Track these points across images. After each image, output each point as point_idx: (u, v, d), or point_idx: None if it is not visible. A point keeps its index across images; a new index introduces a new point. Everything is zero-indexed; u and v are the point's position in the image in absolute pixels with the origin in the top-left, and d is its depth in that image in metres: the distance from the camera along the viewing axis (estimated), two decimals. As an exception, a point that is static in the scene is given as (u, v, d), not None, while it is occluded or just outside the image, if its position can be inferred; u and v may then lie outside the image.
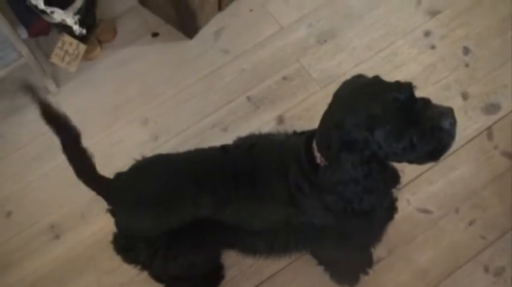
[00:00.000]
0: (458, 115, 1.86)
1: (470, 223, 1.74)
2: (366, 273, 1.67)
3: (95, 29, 2.13)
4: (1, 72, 1.95)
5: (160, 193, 1.29)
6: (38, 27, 1.90)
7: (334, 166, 1.15)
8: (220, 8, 2.18)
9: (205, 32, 2.18)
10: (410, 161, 1.19)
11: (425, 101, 1.15)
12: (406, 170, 1.73)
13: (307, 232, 1.34)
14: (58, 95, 2.11)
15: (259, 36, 2.14)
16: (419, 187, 1.82)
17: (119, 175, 1.37)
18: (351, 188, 1.16)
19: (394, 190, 1.32)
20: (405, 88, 1.13)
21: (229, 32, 2.17)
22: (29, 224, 1.90)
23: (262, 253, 1.43)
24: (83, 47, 2.03)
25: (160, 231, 1.32)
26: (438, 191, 1.81)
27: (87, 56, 2.13)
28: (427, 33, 2.07)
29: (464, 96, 1.94)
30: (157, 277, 1.58)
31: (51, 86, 2.09)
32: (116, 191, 1.34)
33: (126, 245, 1.37)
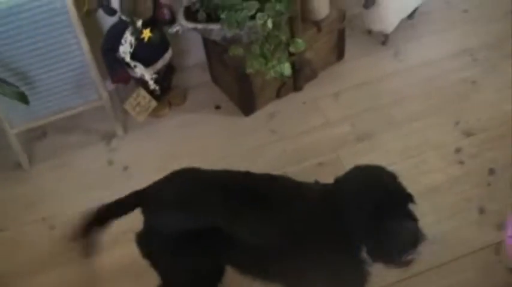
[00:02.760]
0: (472, 226, 2.02)
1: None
2: None
3: (168, 92, 2.49)
4: (81, 107, 2.31)
5: (187, 195, 1.54)
6: (120, 77, 2.25)
7: None
8: (278, 95, 2.48)
9: (261, 113, 2.47)
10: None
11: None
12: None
13: (293, 263, 1.51)
14: (123, 139, 2.44)
15: (305, 125, 2.40)
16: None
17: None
18: None
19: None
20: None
21: (281, 117, 2.45)
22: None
23: (253, 274, 1.63)
24: (154, 103, 2.36)
25: (180, 231, 1.52)
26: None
27: (156, 113, 2.47)
28: (458, 150, 2.23)
29: (481, 210, 2.05)
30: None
31: (119, 130, 2.43)
32: (150, 191, 1.60)
33: (147, 241, 1.58)
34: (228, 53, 2.17)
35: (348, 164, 2.23)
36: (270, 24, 2.07)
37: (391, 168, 2.16)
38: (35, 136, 2.47)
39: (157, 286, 1.79)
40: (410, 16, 2.69)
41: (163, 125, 2.48)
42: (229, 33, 2.17)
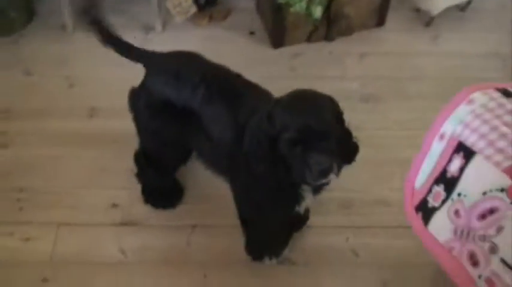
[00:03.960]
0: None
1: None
2: (273, 255, 1.92)
3: (212, 5, 2.68)
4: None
5: (183, 73, 1.73)
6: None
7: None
8: (309, 39, 2.62)
9: (288, 49, 2.62)
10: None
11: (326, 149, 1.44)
12: (372, 219, 2.06)
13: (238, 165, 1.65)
14: (160, 34, 2.68)
15: (322, 72, 2.53)
16: (364, 236, 2.03)
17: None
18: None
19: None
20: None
21: (304, 58, 2.59)
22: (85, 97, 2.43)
23: (206, 163, 1.84)
24: (194, 8, 2.56)
25: (166, 99, 1.72)
26: (376, 246, 2.00)
27: (196, 21, 2.67)
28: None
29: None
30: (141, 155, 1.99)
31: (158, 26, 2.66)
32: (157, 57, 1.83)
33: (138, 97, 1.80)
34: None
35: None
36: (313, -36, 2.22)
37: (381, 133, 2.33)
38: (86, 8, 2.73)
39: (135, 151, 2.03)
40: (463, 8, 2.74)
41: (198, 33, 2.68)
42: (278, -36, 2.32)
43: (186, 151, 1.94)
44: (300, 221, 1.99)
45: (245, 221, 1.86)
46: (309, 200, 1.68)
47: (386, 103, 2.43)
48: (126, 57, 1.85)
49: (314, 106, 1.48)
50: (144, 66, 1.83)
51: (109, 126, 2.31)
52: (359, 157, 2.12)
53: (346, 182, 2.13)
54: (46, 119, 2.36)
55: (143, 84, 1.81)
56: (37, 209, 2.09)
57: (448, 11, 2.67)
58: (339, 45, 2.64)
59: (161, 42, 2.61)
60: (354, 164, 2.10)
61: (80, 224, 2.05)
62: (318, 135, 1.42)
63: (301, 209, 1.69)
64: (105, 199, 2.11)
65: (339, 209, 2.09)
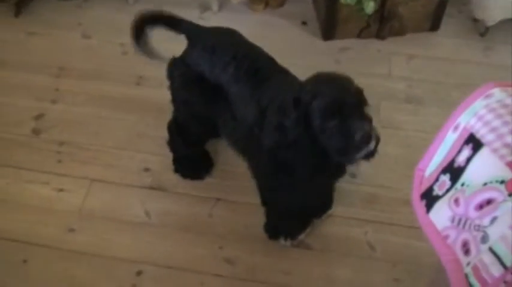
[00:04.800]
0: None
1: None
2: (289, 237, 1.94)
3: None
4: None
5: (220, 49, 1.79)
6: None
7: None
8: (359, 36, 2.63)
9: (337, 42, 2.64)
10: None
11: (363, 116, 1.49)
12: (395, 217, 2.06)
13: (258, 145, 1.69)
14: (215, 14, 2.77)
15: (368, 69, 2.53)
16: (384, 232, 2.03)
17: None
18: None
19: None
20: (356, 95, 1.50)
21: (351, 53, 2.61)
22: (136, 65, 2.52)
23: (228, 141, 1.90)
24: (250, -7, 2.62)
25: (201, 73, 1.79)
26: (394, 244, 2.00)
27: (251, 5, 2.74)
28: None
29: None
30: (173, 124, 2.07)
31: (215, 6, 2.75)
32: (199, 31, 1.90)
33: (175, 66, 1.88)
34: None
35: (384, 115, 2.39)
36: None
37: (420, 135, 2.32)
38: (149, -17, 2.85)
39: (170, 119, 2.10)
40: (522, 23, 2.68)
41: (252, 17, 2.75)
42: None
43: (213, 126, 1.99)
44: (321, 209, 2.02)
45: (264, 200, 1.90)
46: None
47: (429, 107, 2.41)
48: (173, 29, 1.91)
49: (342, 80, 1.54)
50: (186, 38, 1.90)
51: (153, 96, 2.40)
52: (393, 154, 2.18)
53: (376, 177, 2.17)
54: (96, 81, 2.48)
55: (183, 55, 1.88)
56: (74, 163, 2.21)
57: (506, 24, 2.63)
58: (389, 45, 2.64)
59: (215, 22, 2.65)
60: (387, 160, 2.14)
61: (112, 182, 2.15)
62: (354, 104, 1.47)
63: None
64: (139, 162, 2.21)
65: (364, 203, 2.10)
